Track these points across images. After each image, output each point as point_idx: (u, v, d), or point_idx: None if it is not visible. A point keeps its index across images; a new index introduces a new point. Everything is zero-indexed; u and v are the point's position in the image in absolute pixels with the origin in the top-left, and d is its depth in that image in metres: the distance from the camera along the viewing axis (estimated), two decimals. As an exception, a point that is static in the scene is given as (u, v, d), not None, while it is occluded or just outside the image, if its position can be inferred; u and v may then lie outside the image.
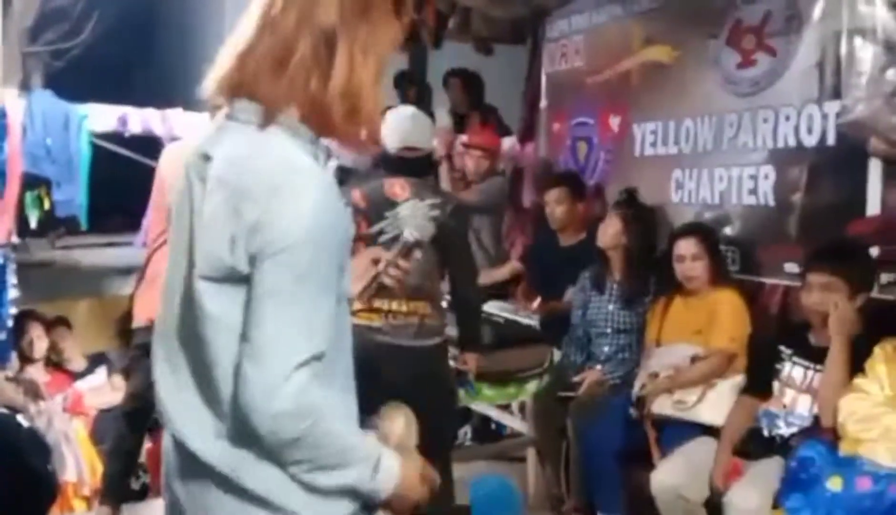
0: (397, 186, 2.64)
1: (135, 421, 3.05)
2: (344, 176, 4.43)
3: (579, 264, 3.54)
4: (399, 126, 2.71)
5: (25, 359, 4.00)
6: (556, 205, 3.72)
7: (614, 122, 3.91)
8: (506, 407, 3.54)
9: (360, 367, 2.78)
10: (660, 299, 3.12)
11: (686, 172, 3.46)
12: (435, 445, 2.67)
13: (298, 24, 1.11)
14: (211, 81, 1.17)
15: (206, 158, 1.14)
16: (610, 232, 3.30)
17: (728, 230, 3.25)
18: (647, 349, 3.09)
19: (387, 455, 1.20)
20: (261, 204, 1.06)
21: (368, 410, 2.65)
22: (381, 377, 2.57)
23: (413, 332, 2.66)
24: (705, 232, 3.07)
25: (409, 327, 2.65)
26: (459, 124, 4.98)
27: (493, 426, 3.97)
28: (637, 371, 3.04)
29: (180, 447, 1.17)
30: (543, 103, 4.45)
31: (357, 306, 2.57)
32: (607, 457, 2.91)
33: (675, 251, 3.03)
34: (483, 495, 3.15)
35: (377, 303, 2.57)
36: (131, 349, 3.04)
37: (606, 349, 3.28)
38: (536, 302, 3.64)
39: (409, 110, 2.84)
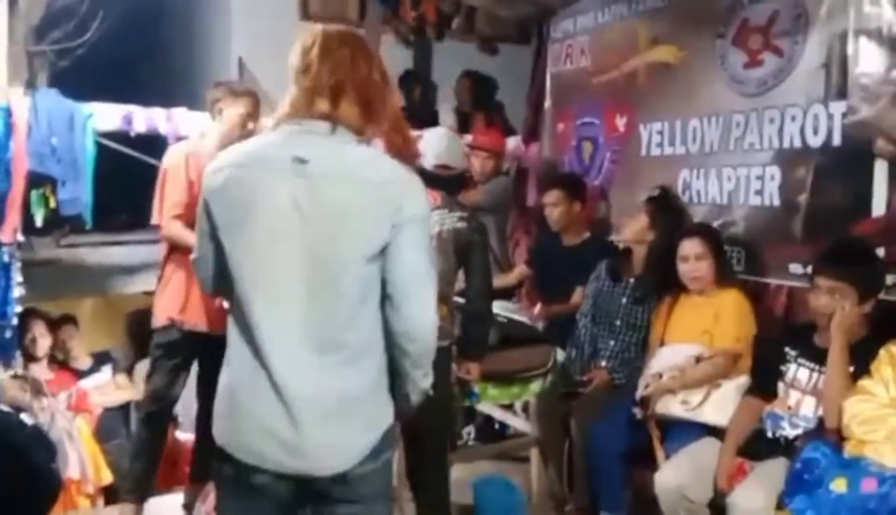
0: (430, 196, 2.67)
1: (156, 421, 3.08)
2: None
3: (582, 264, 3.53)
4: (435, 146, 2.86)
5: (28, 357, 4.01)
6: (553, 207, 3.75)
7: (620, 122, 3.91)
8: (509, 407, 3.54)
9: None
10: (665, 299, 3.11)
11: (693, 173, 3.45)
12: (433, 449, 2.71)
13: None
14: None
15: (302, 161, 1.56)
16: (636, 227, 3.30)
17: (733, 230, 3.24)
18: (652, 348, 3.08)
19: None
20: (402, 189, 1.59)
21: None
22: None
23: None
24: (709, 232, 3.06)
25: None
26: (464, 124, 4.98)
27: (497, 425, 3.97)
28: (641, 371, 3.03)
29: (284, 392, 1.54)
30: (548, 103, 4.44)
31: None
32: (611, 457, 2.90)
33: (679, 252, 3.02)
34: (486, 495, 3.15)
35: None
36: (152, 348, 3.04)
37: (612, 343, 3.27)
38: (537, 308, 3.64)
39: (443, 131, 3.04)
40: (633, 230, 3.33)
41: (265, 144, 1.64)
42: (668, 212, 3.31)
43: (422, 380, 1.69)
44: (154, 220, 3.04)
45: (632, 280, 3.32)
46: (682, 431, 2.80)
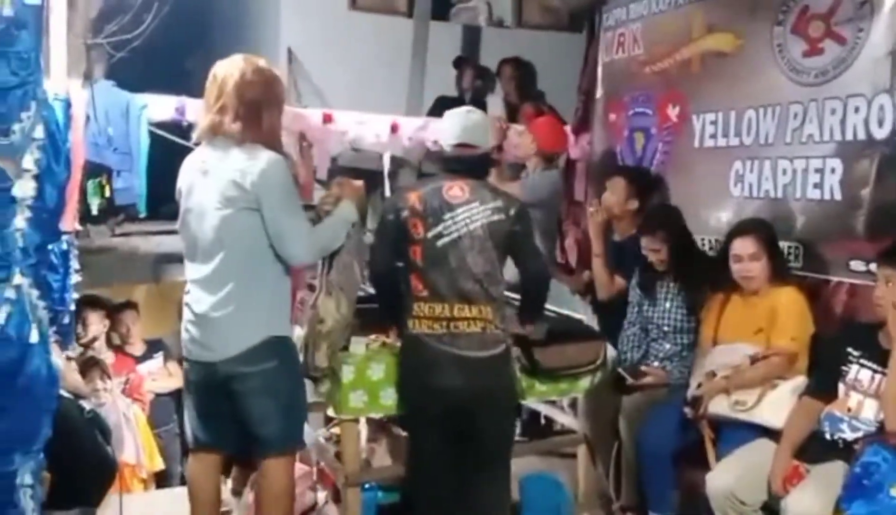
0: (456, 188, 2.56)
1: None
2: (395, 167, 4.44)
3: (629, 260, 3.46)
4: (454, 123, 2.66)
5: (81, 343, 4.10)
6: (610, 194, 3.66)
7: (673, 112, 3.82)
8: (554, 402, 3.50)
9: (419, 379, 2.74)
10: (716, 297, 3.03)
11: (747, 165, 3.35)
12: (495, 460, 2.60)
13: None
14: None
15: None
16: (654, 258, 3.21)
17: (789, 225, 3.14)
18: (703, 347, 3.00)
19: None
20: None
21: (429, 423, 2.59)
22: (440, 390, 2.55)
23: (476, 341, 2.54)
24: (763, 230, 2.95)
25: (472, 336, 2.53)
26: (513, 116, 4.93)
27: (543, 421, 3.93)
28: (692, 371, 2.96)
29: None
30: (599, 93, 4.36)
31: (417, 311, 2.55)
32: (661, 457, 2.85)
33: (731, 250, 2.93)
34: (532, 491, 3.13)
35: (438, 308, 2.53)
36: None
37: (668, 346, 3.20)
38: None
39: (464, 108, 2.75)
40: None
41: None
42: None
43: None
44: None
45: (671, 284, 3.23)
46: (735, 432, 2.74)
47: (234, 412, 2.41)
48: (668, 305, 3.22)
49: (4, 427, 2.03)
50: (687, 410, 2.84)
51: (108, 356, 4.20)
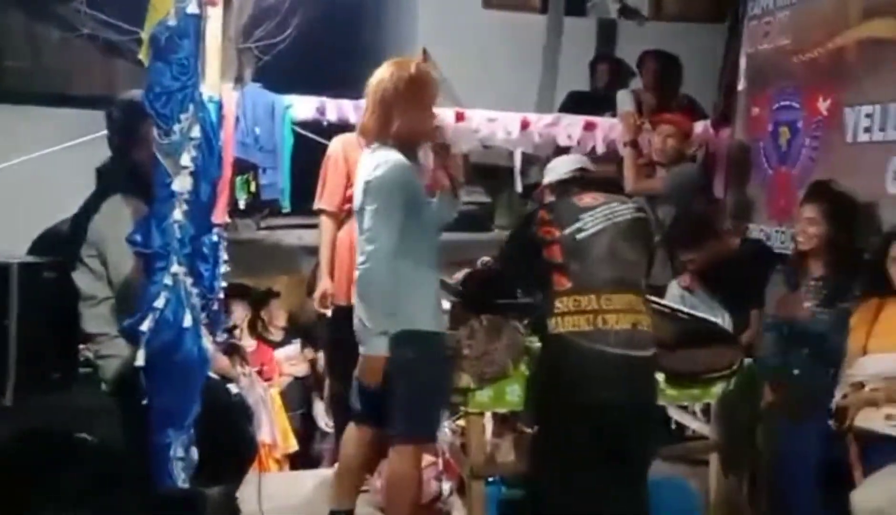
0: (588, 198, 2.54)
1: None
2: (525, 165, 4.42)
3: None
4: (564, 161, 2.87)
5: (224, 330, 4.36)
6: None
7: (823, 105, 3.59)
8: (686, 407, 3.38)
9: (565, 381, 2.62)
10: (869, 303, 2.81)
11: (907, 161, 3.11)
12: (641, 474, 2.48)
13: None
14: None
15: None
16: (811, 230, 3.02)
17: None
18: (851, 356, 2.80)
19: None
20: None
21: (575, 435, 2.44)
22: (590, 392, 2.39)
23: (626, 339, 2.37)
24: (929, 231, 2.72)
25: (622, 333, 2.37)
26: (651, 110, 4.78)
27: (674, 425, 3.81)
28: (837, 380, 2.78)
29: None
30: (742, 85, 4.18)
31: (560, 307, 2.42)
32: (801, 470, 2.70)
33: (891, 253, 2.72)
34: (661, 497, 3.03)
35: (584, 300, 2.39)
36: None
37: (804, 350, 3.02)
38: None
39: (565, 157, 3.02)
40: (808, 233, 3.03)
41: None
42: (837, 204, 3.02)
43: None
44: (315, 205, 3.38)
45: (812, 282, 3.03)
46: (887, 448, 2.54)
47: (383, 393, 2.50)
48: (808, 304, 3.02)
49: (161, 404, 2.20)
50: (831, 422, 2.66)
51: (250, 344, 4.45)
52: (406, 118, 2.47)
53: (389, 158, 2.44)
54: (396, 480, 2.56)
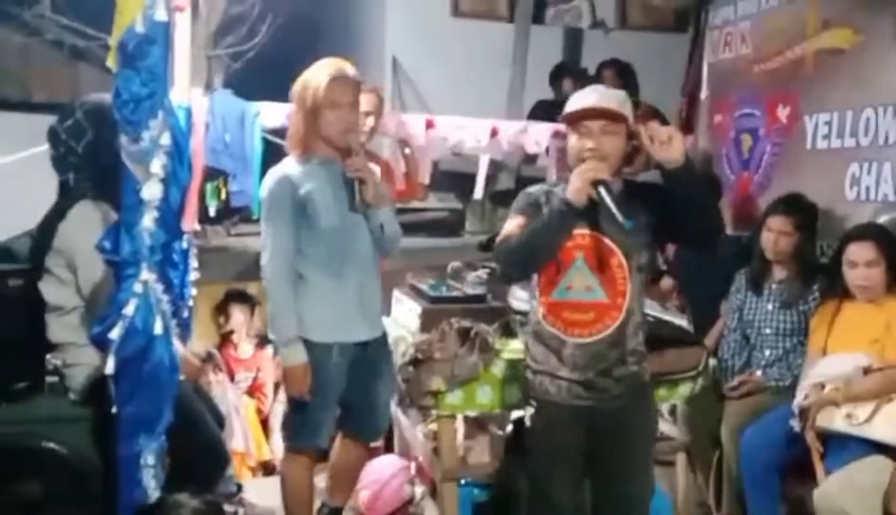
0: None
1: None
2: (493, 169, 4.44)
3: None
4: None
5: (220, 334, 4.30)
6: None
7: (783, 113, 3.68)
8: (653, 408, 3.43)
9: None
10: (827, 304, 2.90)
11: (864, 167, 3.20)
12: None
13: None
14: None
15: None
16: (782, 242, 3.09)
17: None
18: (812, 357, 2.88)
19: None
20: None
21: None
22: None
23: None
24: (883, 235, 2.80)
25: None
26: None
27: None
28: (798, 380, 2.85)
29: None
30: (705, 94, 4.26)
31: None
32: (764, 469, 2.76)
33: (846, 256, 2.80)
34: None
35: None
36: None
37: (768, 353, 3.10)
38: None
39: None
40: (779, 243, 3.10)
41: None
42: (803, 213, 3.11)
43: None
44: None
45: (775, 286, 3.14)
46: (846, 446, 2.61)
47: None
48: (770, 307, 3.12)
49: (131, 412, 2.17)
50: (793, 422, 2.73)
51: (247, 349, 4.35)
52: (297, 119, 2.58)
53: (275, 169, 2.57)
54: (285, 485, 2.72)
